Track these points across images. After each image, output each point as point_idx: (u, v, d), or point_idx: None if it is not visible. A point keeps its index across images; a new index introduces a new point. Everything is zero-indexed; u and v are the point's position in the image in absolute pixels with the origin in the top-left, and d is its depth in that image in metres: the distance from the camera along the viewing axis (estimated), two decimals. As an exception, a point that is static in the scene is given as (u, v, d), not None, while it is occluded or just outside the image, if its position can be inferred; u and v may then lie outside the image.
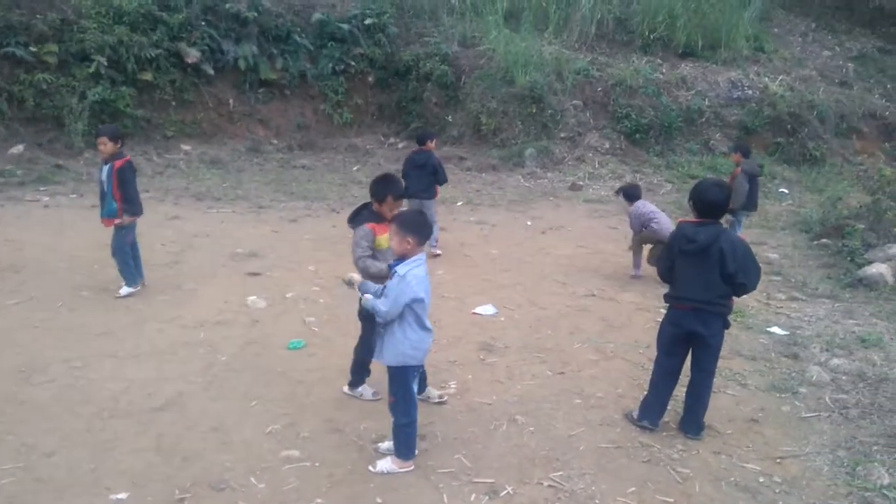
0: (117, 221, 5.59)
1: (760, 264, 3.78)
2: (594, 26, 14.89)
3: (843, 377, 4.68)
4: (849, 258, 7.51)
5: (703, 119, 13.81)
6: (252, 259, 7.00)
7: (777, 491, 3.36)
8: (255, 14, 12.85)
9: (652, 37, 14.85)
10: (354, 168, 12.35)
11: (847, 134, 14.48)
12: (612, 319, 5.72)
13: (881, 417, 4.11)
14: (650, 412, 3.87)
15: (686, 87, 14.18)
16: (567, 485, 3.33)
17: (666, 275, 3.84)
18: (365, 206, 3.86)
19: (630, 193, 7.18)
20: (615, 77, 13.77)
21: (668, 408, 3.93)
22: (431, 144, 7.62)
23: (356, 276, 3.49)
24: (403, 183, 3.82)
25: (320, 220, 8.92)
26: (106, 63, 11.32)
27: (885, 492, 3.34)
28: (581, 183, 11.96)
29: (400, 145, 13.69)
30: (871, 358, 4.99)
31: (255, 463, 3.43)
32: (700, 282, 3.61)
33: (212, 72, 12.55)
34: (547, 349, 5.04)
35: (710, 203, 3.63)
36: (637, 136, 13.32)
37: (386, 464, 3.40)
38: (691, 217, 3.80)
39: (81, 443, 3.55)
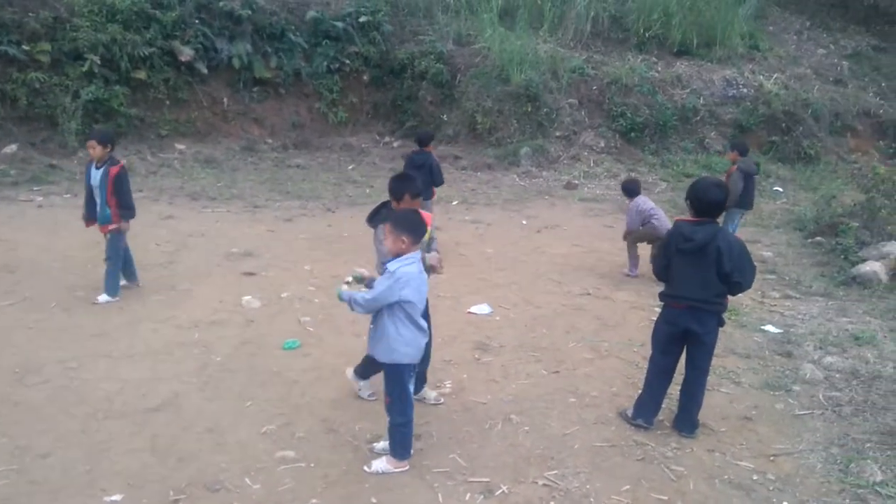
0: (112, 227, 5.56)
1: (755, 263, 3.79)
2: (589, 24, 14.90)
3: (837, 375, 4.71)
4: (843, 256, 7.55)
5: (698, 117, 13.84)
6: (247, 259, 6.98)
7: (771, 488, 3.38)
8: (249, 12, 12.80)
9: (647, 35, 14.88)
10: (349, 167, 12.34)
11: (841, 132, 14.54)
12: (606, 318, 5.74)
13: (874, 415, 4.14)
14: (645, 410, 3.89)
15: (681, 85, 14.21)
16: (562, 483, 3.34)
17: (662, 273, 3.85)
18: (384, 204, 3.80)
19: (629, 188, 7.17)
20: (610, 75, 13.79)
21: (662, 406, 3.94)
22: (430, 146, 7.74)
23: (365, 272, 3.44)
24: (420, 183, 3.81)
25: (315, 220, 8.91)
26: (99, 62, 11.26)
27: (878, 489, 3.37)
28: (576, 182, 11.98)
29: (395, 144, 13.67)
30: (864, 356, 5.02)
31: (250, 463, 3.43)
32: (696, 280, 3.61)
33: (206, 70, 12.49)
34: (542, 348, 5.05)
35: (708, 202, 3.62)
36: (632, 134, 13.34)
37: (381, 464, 3.40)
38: (687, 216, 3.79)
39: (76, 444, 3.54)
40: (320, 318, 5.48)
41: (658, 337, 3.86)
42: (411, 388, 3.40)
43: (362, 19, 13.72)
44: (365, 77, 13.98)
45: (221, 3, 12.60)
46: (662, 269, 3.82)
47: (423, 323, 3.34)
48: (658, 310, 4.01)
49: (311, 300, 5.88)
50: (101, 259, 5.78)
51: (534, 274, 6.95)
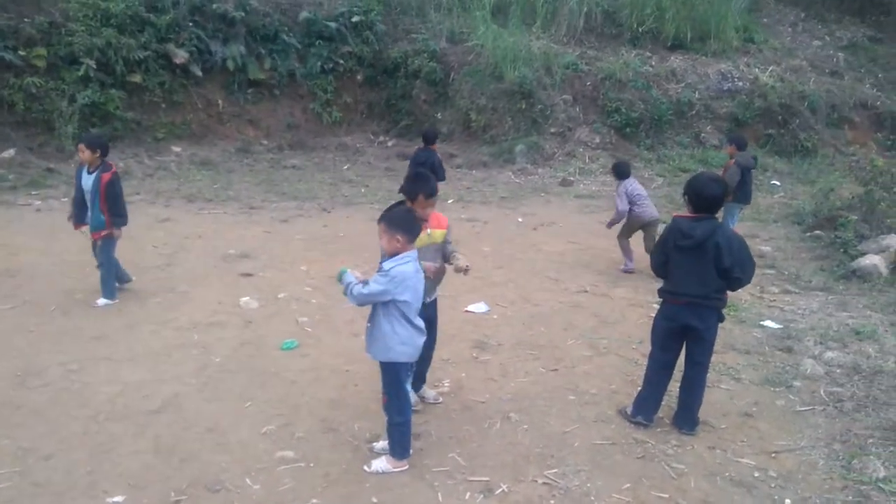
0: (104, 233, 5.54)
1: (753, 258, 3.79)
2: (582, 20, 14.89)
3: (838, 370, 4.69)
4: (842, 250, 7.52)
5: (694, 112, 13.83)
6: (244, 260, 6.98)
7: (773, 485, 3.37)
8: (243, 14, 12.79)
9: (640, 29, 14.87)
10: (345, 167, 12.33)
11: (839, 124, 14.53)
12: (604, 315, 5.74)
13: (876, 410, 4.12)
14: (645, 408, 3.88)
15: (676, 79, 14.20)
16: (562, 482, 3.34)
17: (660, 269, 3.83)
18: (398, 204, 3.74)
19: (619, 170, 7.18)
20: (604, 71, 13.78)
21: (662, 403, 3.94)
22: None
23: (358, 274, 3.43)
24: (435, 183, 3.75)
25: (311, 220, 8.90)
26: (95, 66, 11.27)
27: (881, 485, 3.35)
28: (572, 178, 11.98)
29: (390, 143, 13.67)
30: (865, 350, 5.00)
31: (250, 464, 3.44)
32: (695, 277, 3.60)
33: (200, 73, 12.49)
34: (540, 346, 5.05)
35: (706, 198, 3.59)
36: (627, 129, 13.33)
37: (381, 463, 3.40)
38: (685, 211, 3.76)
39: (78, 446, 3.56)
40: (318, 318, 5.48)
41: (657, 333, 3.86)
42: (408, 387, 3.40)
43: (355, 19, 13.71)
44: (359, 77, 13.98)
45: (215, 6, 12.59)
46: (661, 266, 3.81)
47: (420, 322, 3.33)
48: (656, 306, 4.01)
49: (309, 300, 5.88)
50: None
51: (531, 271, 6.96)
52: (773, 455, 3.64)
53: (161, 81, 12.06)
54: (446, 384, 4.38)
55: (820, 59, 15.96)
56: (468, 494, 3.23)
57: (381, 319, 3.24)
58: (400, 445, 3.40)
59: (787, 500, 3.26)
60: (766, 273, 7.02)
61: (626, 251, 7.04)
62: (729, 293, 3.74)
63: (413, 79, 13.74)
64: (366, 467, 3.40)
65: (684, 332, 3.75)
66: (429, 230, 3.69)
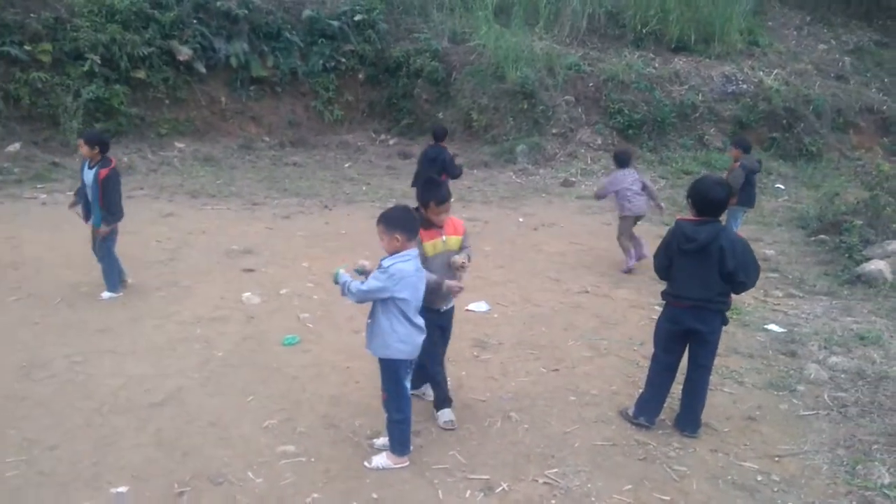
0: (101, 230, 5.54)
1: (758, 261, 3.78)
2: (585, 20, 14.86)
3: (842, 375, 4.67)
4: (847, 255, 7.48)
5: (697, 114, 13.80)
6: (246, 256, 6.99)
7: (775, 490, 3.36)
8: (246, 11, 12.81)
9: (644, 31, 14.83)
10: (346, 165, 12.34)
11: (844, 128, 14.47)
12: (606, 316, 5.74)
13: (881, 416, 4.11)
14: (647, 409, 3.87)
15: (679, 81, 14.17)
16: (562, 482, 3.34)
17: (663, 272, 3.82)
18: (415, 209, 3.63)
19: (619, 158, 7.32)
20: (607, 72, 13.75)
21: (664, 406, 3.93)
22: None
23: (367, 264, 3.42)
24: (447, 189, 3.64)
25: (313, 217, 8.91)
26: (99, 61, 11.32)
27: (886, 491, 3.34)
28: (573, 179, 11.96)
29: (391, 142, 13.68)
30: (869, 356, 4.98)
31: (252, 458, 3.45)
32: (699, 280, 3.59)
33: (204, 70, 12.52)
34: (541, 346, 5.05)
35: (710, 201, 3.58)
36: (630, 131, 13.30)
37: (381, 460, 3.41)
38: (688, 214, 3.76)
39: (83, 437, 3.59)
40: (319, 314, 5.49)
41: (660, 335, 3.85)
42: (407, 385, 3.39)
43: (358, 18, 13.72)
44: (360, 75, 13.99)
45: (219, 3, 12.61)
46: (664, 269, 3.80)
47: (420, 320, 3.32)
48: (658, 308, 4.02)
49: (310, 297, 5.89)
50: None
51: (531, 272, 6.96)
52: (777, 459, 3.63)
53: (165, 78, 12.09)
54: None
55: (825, 62, 15.91)
56: (468, 492, 3.24)
57: (380, 316, 3.25)
58: (400, 442, 3.40)
59: (789, 504, 3.25)
60: (769, 277, 7.01)
61: (626, 250, 7.07)
62: (733, 296, 3.73)
63: (415, 78, 13.74)
64: (366, 463, 3.41)
65: (687, 334, 3.74)
66: (443, 237, 3.64)
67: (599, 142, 13.19)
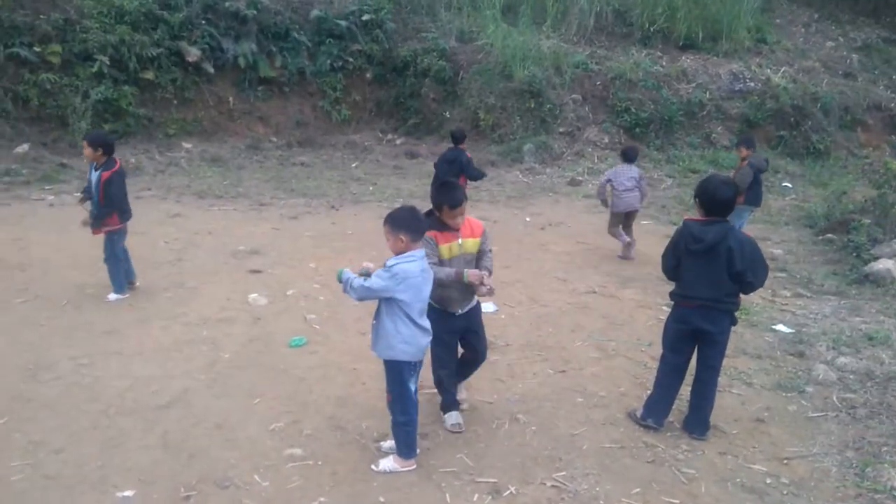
0: (106, 229, 5.55)
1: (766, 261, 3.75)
2: (593, 19, 14.83)
3: (851, 376, 4.63)
4: (854, 254, 7.43)
5: (705, 112, 13.74)
6: (253, 256, 7.01)
7: (784, 492, 3.33)
8: (254, 12, 12.85)
9: (651, 29, 14.79)
10: (353, 165, 12.35)
11: (852, 126, 14.39)
12: (613, 316, 5.71)
13: (890, 417, 4.07)
14: (655, 411, 3.85)
15: (687, 79, 14.11)
16: (570, 485, 3.33)
17: (671, 272, 3.80)
18: (431, 211, 3.62)
19: (626, 153, 7.67)
20: (614, 70, 13.72)
21: (672, 407, 3.90)
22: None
23: (371, 266, 3.40)
24: (463, 192, 3.56)
25: (320, 218, 8.92)
26: (108, 62, 11.39)
27: (896, 493, 3.31)
28: (580, 178, 11.92)
29: (398, 141, 13.68)
30: (878, 356, 4.93)
31: (259, 461, 3.45)
32: (707, 280, 3.57)
33: (212, 70, 12.57)
34: (548, 347, 5.03)
35: (718, 201, 3.56)
36: (637, 130, 13.27)
37: (388, 463, 3.40)
38: (695, 214, 3.74)
39: (89, 440, 3.59)
40: (325, 315, 5.49)
41: (668, 336, 3.83)
42: (412, 387, 3.35)
43: (365, 17, 13.73)
44: (368, 75, 14.00)
45: (227, 4, 12.67)
46: (672, 269, 3.77)
47: (426, 322, 3.31)
48: (665, 308, 3.99)
49: (317, 298, 5.89)
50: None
51: (538, 271, 6.93)
52: (785, 461, 3.60)
53: (173, 78, 12.15)
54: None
55: (833, 60, 15.81)
56: (476, 496, 3.22)
57: (384, 318, 3.25)
58: (405, 445, 3.39)
59: (799, 507, 3.23)
60: (777, 276, 6.96)
61: (619, 237, 7.49)
62: (741, 296, 3.70)
63: (422, 77, 13.74)
64: (373, 466, 3.40)
65: (696, 335, 3.71)
66: (460, 240, 3.57)
67: (606, 140, 13.15)
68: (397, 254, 3.22)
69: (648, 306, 5.96)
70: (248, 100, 13.14)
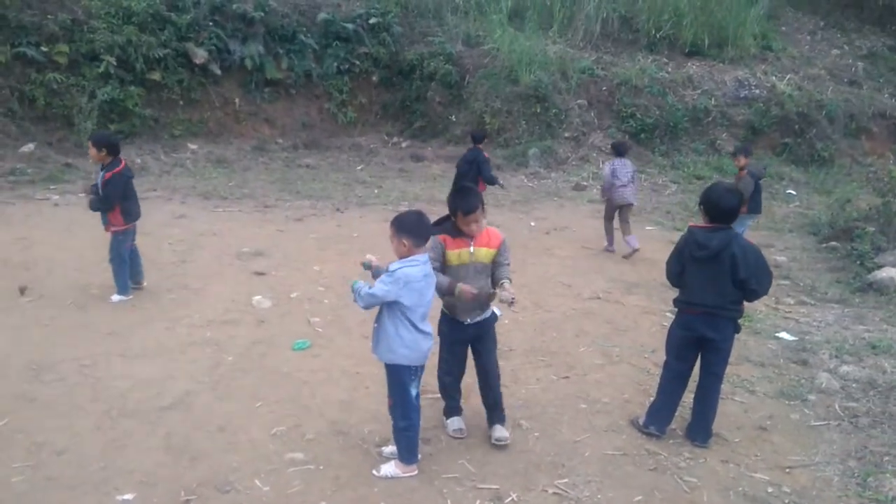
0: (113, 229, 5.58)
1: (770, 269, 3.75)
2: (599, 25, 14.85)
3: (853, 385, 4.63)
4: (858, 262, 7.44)
5: (710, 119, 13.74)
6: (258, 258, 7.02)
7: (786, 501, 3.32)
8: (262, 14, 12.90)
9: (657, 35, 14.80)
10: (358, 167, 12.37)
11: (856, 134, 14.37)
12: (617, 322, 5.70)
13: (892, 427, 4.06)
14: (658, 418, 3.84)
15: (692, 86, 14.12)
16: (572, 492, 3.32)
17: (675, 279, 3.81)
18: (449, 216, 3.54)
19: (618, 148, 8.19)
20: (620, 76, 13.73)
21: (675, 415, 3.89)
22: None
23: (374, 259, 3.39)
24: (480, 199, 3.44)
25: (325, 220, 8.93)
26: (115, 63, 11.44)
27: (898, 504, 3.30)
28: (585, 183, 11.93)
29: (403, 144, 13.70)
30: (881, 365, 4.92)
31: (260, 464, 3.44)
32: (711, 287, 3.58)
33: (219, 71, 12.61)
34: (552, 352, 5.03)
35: (723, 209, 3.57)
36: (642, 135, 13.27)
37: (390, 468, 3.39)
38: (700, 220, 3.75)
39: (90, 441, 3.58)
40: (329, 318, 5.49)
41: (672, 342, 3.83)
42: (413, 392, 3.34)
43: (372, 21, 13.78)
44: (374, 78, 14.04)
45: (235, 6, 12.72)
46: (676, 276, 3.78)
47: (427, 327, 3.30)
48: (669, 315, 3.99)
49: (321, 301, 5.89)
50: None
51: (543, 276, 6.93)
52: (788, 470, 3.60)
53: (180, 79, 12.19)
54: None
55: (838, 68, 15.79)
56: (478, 502, 3.21)
57: (386, 321, 3.25)
58: (407, 450, 3.38)
59: (801, 517, 3.22)
60: (781, 284, 6.95)
61: (609, 232, 7.89)
62: (745, 304, 3.70)
63: (428, 81, 13.77)
64: (375, 471, 3.39)
65: (700, 342, 3.72)
66: (471, 248, 3.47)
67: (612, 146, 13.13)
68: (401, 257, 3.23)
69: (653, 312, 5.96)
70: (254, 101, 13.18)
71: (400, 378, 3.30)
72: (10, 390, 4.07)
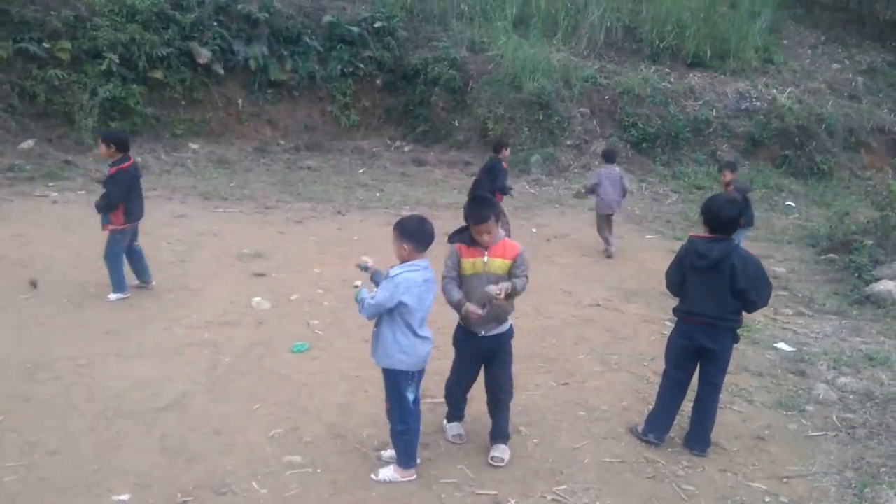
0: (111, 227, 5.56)
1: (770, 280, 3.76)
2: (603, 34, 14.91)
3: (851, 396, 4.64)
4: (856, 274, 7.48)
5: (711, 129, 13.79)
6: (258, 259, 7.00)
7: (783, 511, 3.33)
8: (267, 15, 12.91)
9: (661, 46, 14.87)
10: (360, 171, 12.37)
11: (855, 148, 14.44)
12: (617, 330, 5.70)
13: (889, 438, 4.07)
14: (657, 426, 3.85)
15: (694, 97, 14.17)
16: (571, 499, 3.31)
17: (675, 288, 3.82)
18: (466, 226, 3.49)
19: (605, 155, 8.42)
20: (623, 85, 13.77)
21: (674, 423, 3.89)
22: (506, 152, 8.26)
23: (370, 261, 3.38)
24: (492, 209, 3.39)
25: (326, 223, 8.92)
26: (118, 61, 11.40)
27: (893, 514, 3.30)
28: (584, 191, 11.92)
29: (406, 148, 13.70)
30: (878, 377, 4.94)
31: (257, 467, 3.42)
32: (711, 297, 3.59)
33: (222, 72, 12.60)
34: (551, 359, 5.02)
35: (723, 219, 3.61)
36: (644, 145, 13.31)
37: (388, 472, 3.38)
38: (701, 231, 3.77)
39: (85, 442, 3.55)
40: (329, 321, 5.48)
41: (671, 351, 3.84)
42: (411, 397, 3.32)
43: (377, 24, 13.80)
44: (378, 81, 14.04)
45: (240, 6, 12.73)
46: (677, 285, 3.80)
47: (426, 332, 3.29)
48: (669, 323, 3.99)
49: (321, 303, 5.88)
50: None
51: (543, 283, 6.92)
52: (785, 480, 3.60)
53: (182, 78, 12.17)
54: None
55: (839, 82, 15.88)
56: (476, 508, 3.21)
57: (384, 326, 3.25)
58: (405, 454, 3.38)
59: (799, 529, 3.22)
60: (779, 295, 6.95)
61: (605, 240, 8.10)
62: (745, 315, 3.72)
63: (432, 86, 13.78)
64: (373, 476, 3.38)
65: (699, 351, 3.73)
66: (485, 258, 3.40)
67: (613, 154, 13.18)
68: (401, 261, 3.24)
69: (652, 321, 5.96)
70: (256, 102, 13.17)
71: (397, 383, 3.30)
72: (4, 389, 4.05)
